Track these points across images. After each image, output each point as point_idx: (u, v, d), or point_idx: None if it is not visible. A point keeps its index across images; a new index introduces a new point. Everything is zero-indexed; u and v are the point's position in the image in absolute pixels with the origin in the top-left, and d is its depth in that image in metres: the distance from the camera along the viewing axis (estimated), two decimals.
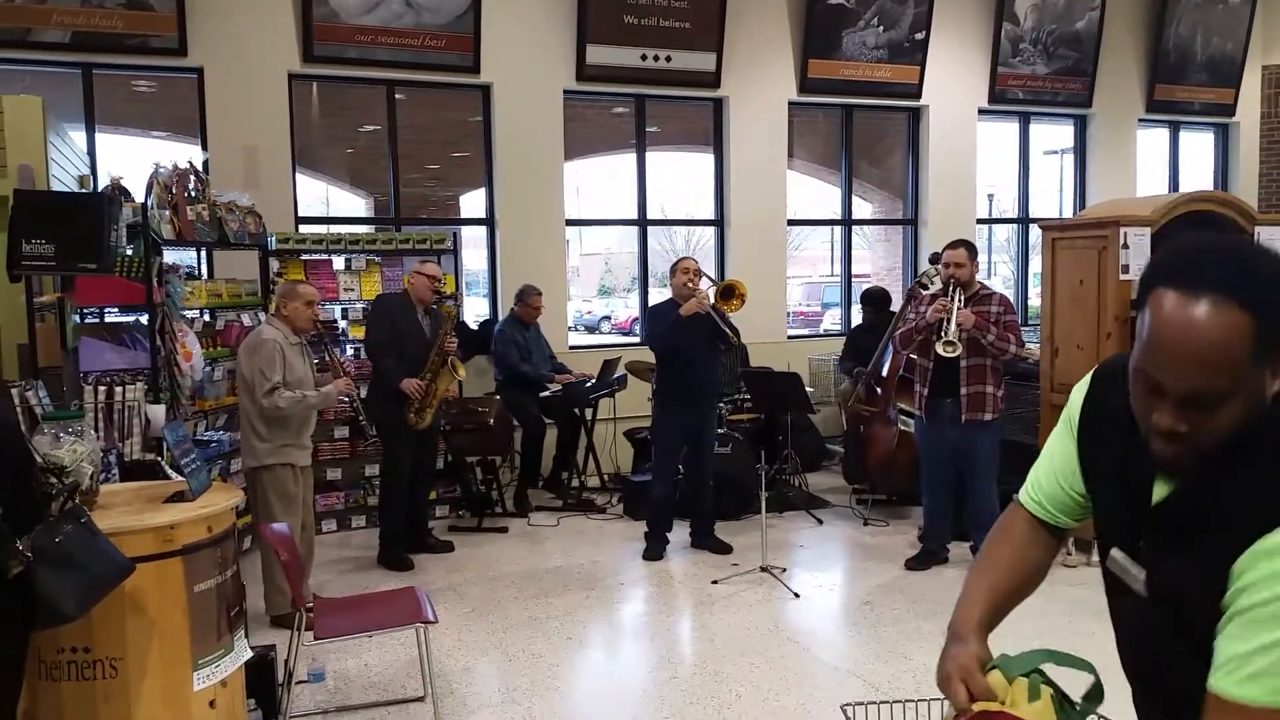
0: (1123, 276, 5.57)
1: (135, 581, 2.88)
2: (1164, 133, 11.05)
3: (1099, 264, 5.72)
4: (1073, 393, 1.60)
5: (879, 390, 6.66)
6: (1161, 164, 11.13)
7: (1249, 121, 10.73)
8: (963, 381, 5.34)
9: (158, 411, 4.14)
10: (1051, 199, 11.04)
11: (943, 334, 5.22)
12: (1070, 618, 4.81)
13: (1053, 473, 1.59)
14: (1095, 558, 5.54)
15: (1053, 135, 10.83)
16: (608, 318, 22.60)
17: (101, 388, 3.91)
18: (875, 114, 9.65)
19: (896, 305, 7.47)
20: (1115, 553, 1.45)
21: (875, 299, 7.49)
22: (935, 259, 6.80)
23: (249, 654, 3.29)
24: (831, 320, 13.03)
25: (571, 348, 8.49)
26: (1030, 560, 1.64)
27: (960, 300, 5.30)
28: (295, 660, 3.77)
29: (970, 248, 5.53)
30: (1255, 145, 10.05)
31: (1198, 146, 11.38)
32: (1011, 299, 5.78)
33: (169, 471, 3.22)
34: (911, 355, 5.71)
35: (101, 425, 3.87)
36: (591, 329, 21.30)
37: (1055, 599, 5.07)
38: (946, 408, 5.40)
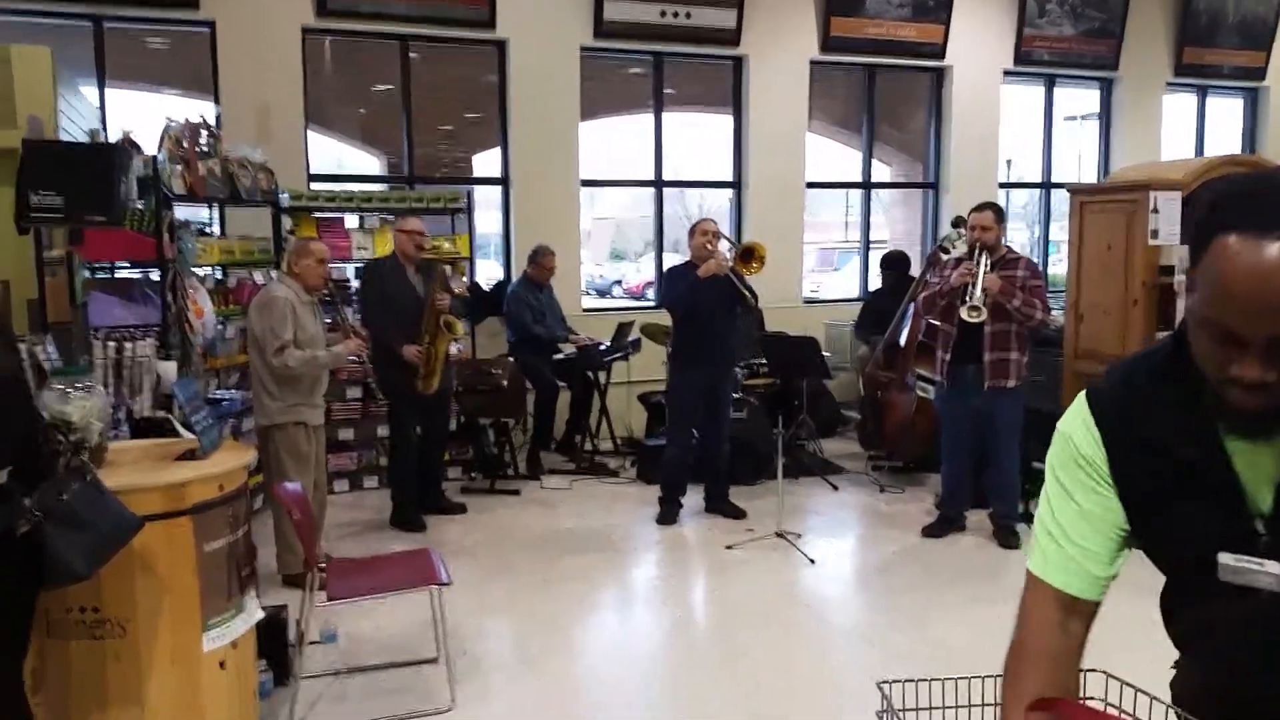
0: (1152, 241, 5.44)
1: (144, 541, 2.83)
2: (1191, 98, 10.80)
3: (1128, 228, 5.59)
4: (1070, 434, 1.40)
5: (897, 356, 6.56)
6: (1188, 129, 10.89)
7: None
8: (986, 347, 5.24)
9: (168, 368, 4.08)
10: (1070, 166, 10.84)
11: (968, 299, 5.10)
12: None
13: (1087, 530, 1.41)
14: None
15: (1074, 100, 10.60)
16: (619, 282, 22.46)
17: (111, 344, 3.85)
18: (897, 75, 9.46)
19: (916, 270, 7.36)
20: (1227, 559, 1.29)
21: (895, 263, 7.37)
22: (958, 223, 6.68)
23: (260, 614, 3.25)
24: (838, 287, 12.89)
25: (585, 310, 8.40)
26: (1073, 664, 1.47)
27: (986, 264, 5.18)
28: (307, 621, 3.73)
29: (998, 210, 5.40)
30: None
31: (1226, 112, 11.13)
32: None
33: (180, 429, 3.15)
34: (933, 321, 5.60)
35: (111, 381, 3.81)
36: (603, 293, 21.16)
37: None
38: (969, 374, 5.30)
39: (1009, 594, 4.44)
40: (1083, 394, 1.41)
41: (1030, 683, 1.42)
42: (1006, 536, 5.35)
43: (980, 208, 5.42)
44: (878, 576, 4.93)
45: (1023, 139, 10.39)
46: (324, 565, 3.72)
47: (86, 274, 4.43)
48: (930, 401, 6.31)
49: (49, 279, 4.04)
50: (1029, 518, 5.64)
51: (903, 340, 6.52)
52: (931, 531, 5.51)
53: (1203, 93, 10.78)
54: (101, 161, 3.50)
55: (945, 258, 6.48)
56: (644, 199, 8.88)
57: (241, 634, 3.11)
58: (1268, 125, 10.88)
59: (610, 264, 25.57)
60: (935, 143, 9.60)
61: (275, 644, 3.76)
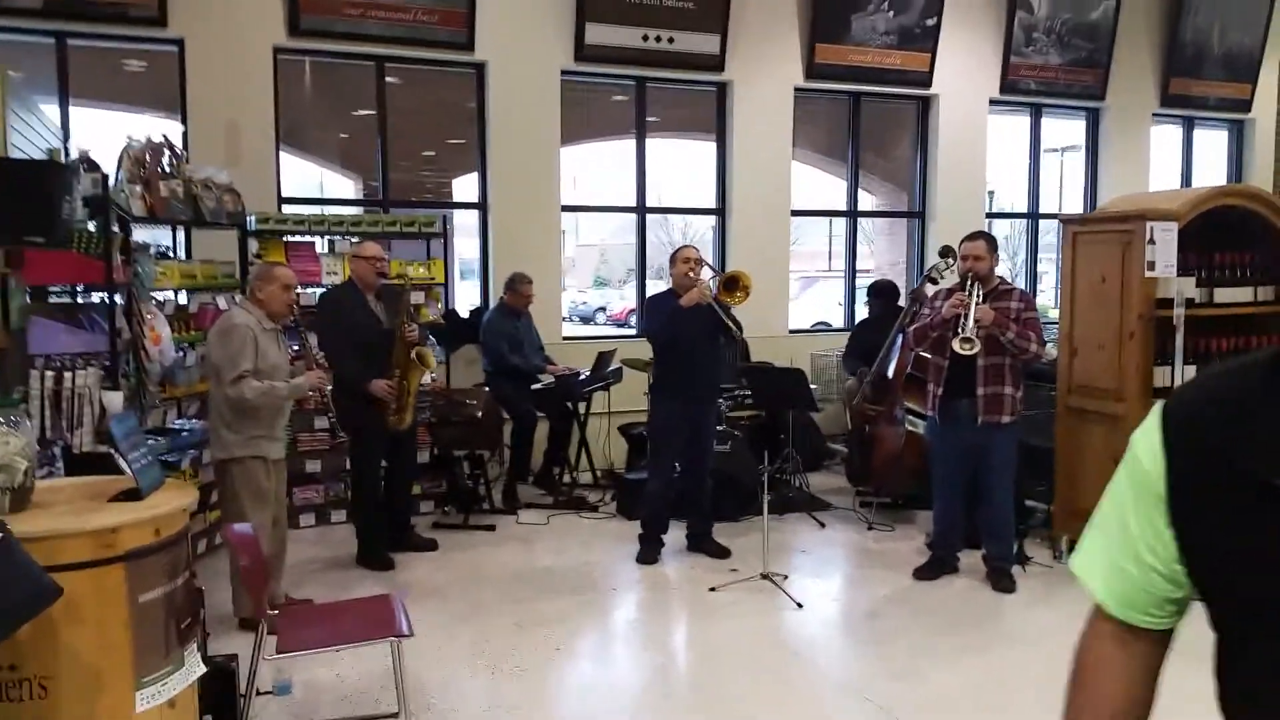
0: (1148, 273, 5.27)
1: (70, 591, 2.56)
2: (1177, 129, 10.74)
3: (1123, 259, 5.41)
4: (1141, 453, 1.16)
5: (886, 388, 6.36)
6: (1174, 160, 10.82)
7: (1265, 118, 10.41)
8: (980, 381, 5.04)
9: (115, 399, 3.82)
10: (1052, 197, 10.74)
11: (960, 330, 4.90)
12: None
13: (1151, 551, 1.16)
14: None
15: (1055, 132, 10.51)
16: (603, 309, 22.32)
17: (49, 373, 3.59)
18: (882, 103, 9.34)
19: (904, 300, 7.18)
20: None
21: (883, 292, 7.19)
22: (946, 252, 6.52)
23: (201, 670, 2.97)
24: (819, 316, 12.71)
25: (566, 338, 8.18)
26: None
27: (979, 295, 4.99)
28: (257, 673, 3.46)
29: (990, 240, 5.23)
30: (1271, 143, 9.74)
31: (1211, 143, 11.08)
32: None
33: (124, 465, 2.90)
34: (924, 353, 5.40)
35: (48, 414, 3.55)
36: (587, 320, 21.02)
37: (1074, 613, 4.72)
38: (962, 408, 5.10)
39: (1005, 641, 4.24)
40: (1158, 404, 1.18)
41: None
42: (1001, 579, 5.13)
43: (972, 236, 5.24)
44: (868, 622, 4.69)
45: (1004, 170, 10.28)
46: (276, 611, 3.45)
47: (26, 298, 4.16)
48: (920, 436, 6.12)
49: None
50: (1024, 559, 5.44)
51: (890, 372, 6.32)
52: (923, 573, 5.28)
53: (1189, 123, 10.72)
54: (42, 179, 3.26)
55: (933, 288, 6.32)
56: (629, 226, 8.69)
57: (180, 691, 2.83)
58: (1253, 156, 10.82)
59: (595, 290, 25.45)
60: (921, 171, 9.47)
61: (224, 697, 3.48)
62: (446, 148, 8.88)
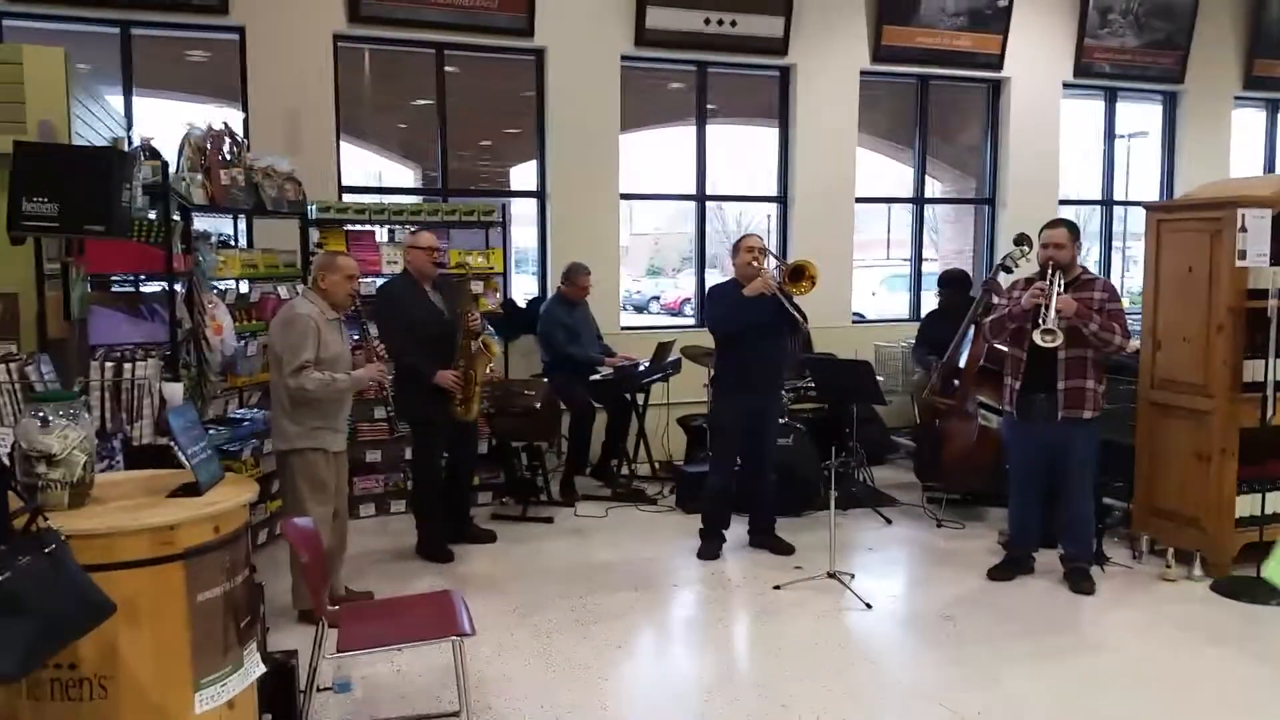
0: (1239, 263, 5.00)
1: (129, 589, 2.51)
2: (1260, 113, 10.28)
3: (1211, 249, 5.16)
4: None
5: (957, 381, 6.14)
6: (1256, 146, 10.36)
7: None
8: (1060, 375, 4.82)
9: (175, 390, 3.78)
10: (1120, 184, 10.33)
11: (1041, 322, 4.68)
12: (1179, 640, 4.32)
13: None
14: (1198, 570, 5.05)
15: (1128, 117, 10.09)
16: (656, 298, 22.22)
17: (109, 364, 3.56)
18: (950, 87, 9.06)
19: (975, 290, 6.95)
20: None
21: (954, 281, 6.95)
22: (1021, 240, 6.29)
23: (261, 670, 2.91)
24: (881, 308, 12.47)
25: (624, 328, 8.07)
26: None
27: (1060, 285, 4.77)
28: (317, 671, 3.41)
29: (1072, 227, 5.00)
30: None
31: None
32: None
33: (183, 458, 2.84)
34: (1000, 345, 5.19)
35: (108, 405, 3.52)
36: (640, 309, 20.92)
37: (1157, 616, 4.59)
38: (1041, 403, 4.88)
39: (1087, 646, 4.03)
40: None
41: None
42: (1079, 580, 4.92)
43: (1053, 224, 5.02)
44: (941, 625, 4.50)
45: (1073, 156, 9.90)
46: (336, 608, 3.39)
47: (88, 287, 4.14)
48: (992, 431, 5.91)
49: (49, 293, 3.76)
50: (1103, 559, 5.21)
51: (962, 364, 6.10)
52: (998, 574, 5.08)
53: (1274, 107, 10.26)
54: (102, 167, 3.21)
55: (1008, 277, 6.09)
56: (681, 215, 8.55)
57: (239, 692, 2.77)
58: None
59: (648, 280, 25.34)
60: (992, 157, 9.17)
61: (284, 694, 3.43)
62: (503, 137, 8.81)
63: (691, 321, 8.58)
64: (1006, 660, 4.10)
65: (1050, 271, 4.83)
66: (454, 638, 3.24)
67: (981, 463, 5.96)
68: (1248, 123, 10.19)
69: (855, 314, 9.05)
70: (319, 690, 3.49)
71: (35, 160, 3.23)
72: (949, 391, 6.17)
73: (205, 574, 2.65)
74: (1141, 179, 10.11)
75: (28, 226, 3.15)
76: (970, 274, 7.44)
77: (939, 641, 4.32)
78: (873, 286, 15.50)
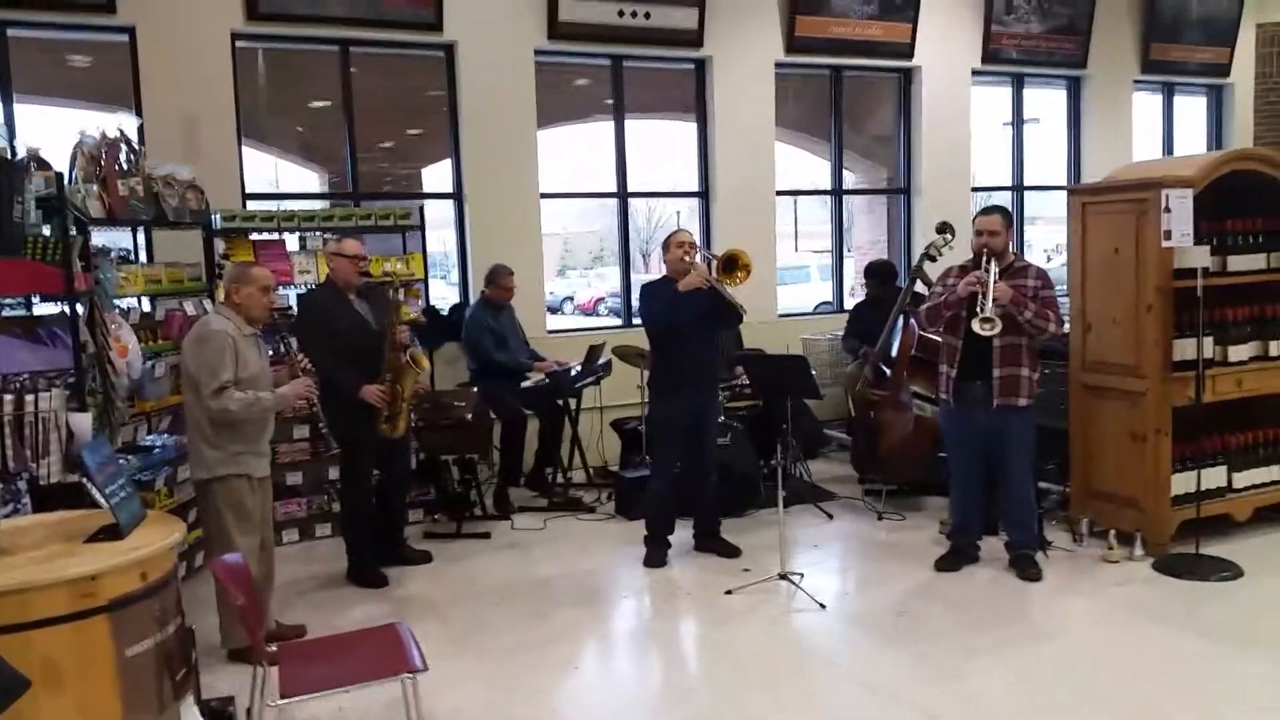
0: (1165, 243, 5.06)
1: (48, 649, 2.26)
2: (1157, 96, 10.60)
3: (1137, 230, 5.22)
4: None
5: (889, 372, 6.12)
6: (1154, 128, 10.68)
7: (1244, 83, 10.30)
8: (995, 363, 4.82)
9: (83, 421, 3.47)
10: (1031, 170, 10.48)
11: (978, 310, 4.67)
12: (1129, 622, 4.35)
13: None
14: (1140, 550, 5.11)
15: (1033, 102, 10.27)
16: (570, 298, 21.97)
17: (9, 395, 3.24)
18: (863, 76, 9.09)
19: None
20: None
21: (881, 272, 6.94)
22: (944, 228, 6.30)
23: None
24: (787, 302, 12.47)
25: (550, 331, 7.87)
26: None
27: (996, 273, 4.76)
28: (260, 716, 3.15)
29: (1005, 214, 5.00)
30: (1249, 107, 9.63)
31: (1188, 110, 10.95)
32: None
33: (101, 499, 2.57)
34: (935, 334, 5.17)
35: (10, 442, 3.19)
36: (554, 310, 20.68)
37: (1105, 599, 4.61)
38: (977, 391, 4.88)
39: (1041, 634, 3.99)
40: None
41: None
42: (1026, 567, 4.93)
43: (987, 211, 5.02)
44: (896, 621, 4.44)
45: (979, 143, 10.03)
46: (274, 650, 3.14)
47: None
48: (929, 420, 5.91)
49: None
50: (1044, 544, 5.24)
51: (894, 354, 6.09)
52: (945, 564, 5.07)
53: (1169, 90, 10.59)
54: None
55: (932, 266, 6.10)
56: (589, 213, 8.41)
57: None
58: (1233, 121, 10.73)
59: (559, 280, 25.08)
60: (906, 146, 9.24)
61: None
62: (407, 139, 8.53)
63: (619, 322, 8.42)
64: (965, 654, 4.06)
65: (985, 259, 4.82)
66: (406, 675, 3.02)
67: (919, 452, 5.96)
68: (1146, 106, 10.49)
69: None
70: None
71: None
72: (882, 382, 6.16)
73: (134, 626, 2.41)
74: (1039, 165, 10.27)
75: None
76: (895, 264, 7.44)
77: (896, 639, 4.26)
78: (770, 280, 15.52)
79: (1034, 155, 10.14)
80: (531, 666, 4.10)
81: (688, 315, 5.14)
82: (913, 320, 5.92)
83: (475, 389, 6.32)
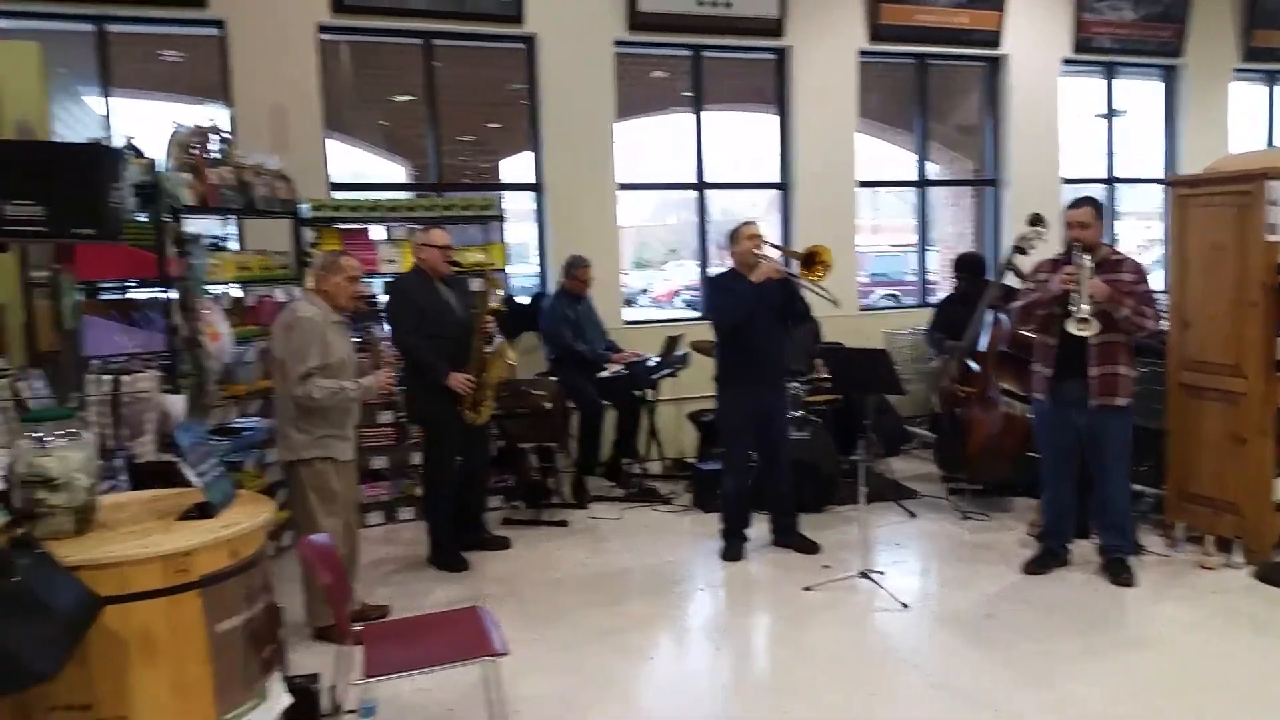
0: (1268, 237, 4.84)
1: (144, 622, 2.31)
2: (1259, 86, 10.15)
3: (1239, 223, 5.00)
4: None
5: (977, 368, 5.96)
6: (1255, 120, 10.23)
7: None
8: (1092, 361, 4.64)
9: (177, 403, 3.55)
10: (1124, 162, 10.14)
11: (1072, 309, 4.50)
12: (1226, 632, 4.16)
13: None
14: (1238, 557, 4.90)
15: (1121, 93, 9.91)
16: (645, 291, 21.96)
17: (106, 376, 3.33)
18: (948, 66, 8.88)
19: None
20: None
21: (971, 265, 6.77)
22: (1036, 221, 6.10)
23: (287, 701, 2.71)
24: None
25: (626, 322, 7.85)
26: None
27: (1090, 268, 4.59)
28: (343, 696, 3.20)
29: (1096, 206, 4.80)
30: None
31: None
32: None
33: (193, 479, 2.62)
34: (1029, 332, 5.01)
35: (108, 421, 3.28)
36: (629, 301, 20.68)
37: (1201, 607, 4.42)
38: (1072, 390, 4.70)
39: (1136, 642, 3.81)
40: None
41: None
42: (1119, 572, 4.75)
43: (1077, 203, 4.83)
44: (984, 623, 4.32)
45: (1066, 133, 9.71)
46: (359, 628, 3.17)
47: (80, 296, 3.90)
48: (1019, 418, 5.74)
49: (38, 303, 3.52)
50: (1138, 549, 5.06)
51: (982, 350, 5.92)
52: (1034, 567, 4.91)
53: (1272, 78, 10.13)
54: (88, 165, 2.97)
55: (1023, 259, 5.93)
56: (665, 207, 8.36)
57: None
58: None
59: (635, 272, 25.08)
60: (993, 137, 9.01)
61: (305, 718, 3.22)
62: (486, 131, 8.58)
63: (696, 314, 8.38)
64: (1057, 659, 3.93)
65: (1077, 254, 4.65)
66: (487, 659, 3.03)
67: (1007, 451, 5.79)
68: (1246, 96, 10.05)
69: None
70: (344, 714, 3.28)
71: (16, 160, 2.99)
72: (969, 379, 6.00)
73: (224, 602, 2.44)
74: (1127, 158, 9.90)
75: (11, 232, 2.92)
76: (984, 257, 7.25)
77: (982, 642, 4.14)
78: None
79: (1123, 148, 9.80)
80: (607, 654, 4.10)
81: (758, 308, 5.08)
82: (1002, 316, 5.77)
83: (554, 379, 6.33)
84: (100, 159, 3.08)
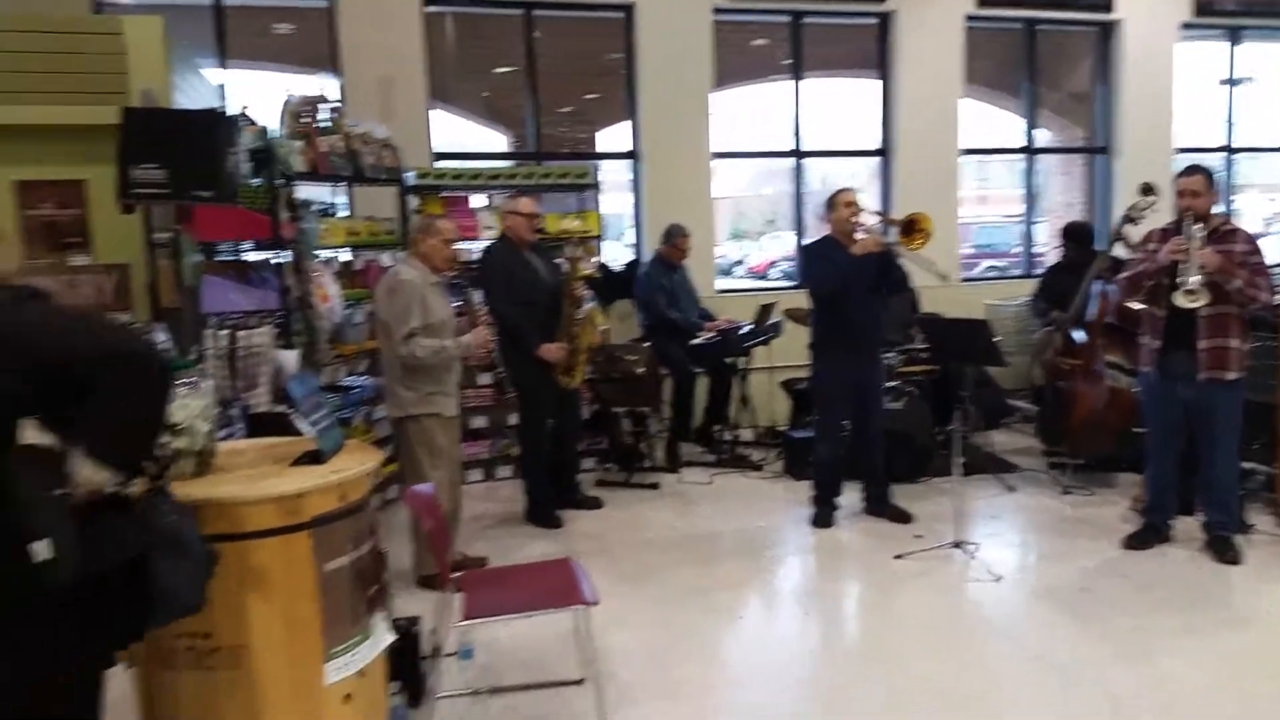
0: None
1: (259, 561, 2.46)
2: None
3: None
4: None
5: (1082, 340, 5.80)
6: None
7: None
8: (1201, 333, 4.47)
9: (290, 358, 3.74)
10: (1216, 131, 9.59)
11: (1180, 280, 4.35)
12: None
13: None
14: None
15: (1251, 58, 9.40)
16: (740, 262, 21.84)
17: (224, 332, 3.52)
18: (1059, 31, 8.58)
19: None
20: None
21: (1078, 234, 6.56)
22: (1148, 189, 5.88)
23: (390, 638, 2.85)
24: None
25: (719, 291, 7.87)
26: None
27: (1201, 238, 4.42)
28: (443, 638, 3.34)
29: (1207, 174, 4.60)
30: None
31: None
32: None
33: (305, 427, 2.77)
34: (1136, 303, 4.86)
35: (225, 373, 3.48)
36: (725, 272, 20.60)
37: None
38: (1180, 363, 4.55)
39: (1239, 621, 3.70)
40: None
41: None
42: (1224, 549, 4.61)
43: (1188, 171, 4.63)
44: (1078, 597, 4.25)
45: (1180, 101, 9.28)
46: (459, 575, 3.31)
47: (200, 256, 4.11)
48: (1124, 392, 5.58)
49: (161, 262, 3.74)
50: (1246, 527, 4.89)
51: (1089, 321, 5.75)
52: (1134, 542, 4.79)
53: None
54: (206, 131, 3.13)
55: (1133, 229, 5.73)
56: (761, 177, 8.32)
57: (370, 661, 2.71)
58: None
59: (731, 243, 24.95)
60: (1104, 104, 8.69)
61: (408, 661, 3.38)
62: (584, 102, 8.65)
63: (790, 283, 8.34)
64: (1155, 635, 3.84)
65: (1188, 223, 4.48)
66: (578, 607, 3.13)
67: (1111, 425, 5.64)
68: None
69: None
70: (444, 656, 3.43)
71: (142, 125, 3.18)
72: (1074, 351, 5.84)
73: (333, 543, 2.58)
74: (1252, 126, 9.39)
75: (137, 194, 3.10)
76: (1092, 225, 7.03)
77: (1078, 615, 4.07)
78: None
79: (1245, 116, 9.33)
80: (695, 612, 4.17)
81: (855, 277, 5.04)
82: (1109, 287, 5.59)
83: (647, 344, 6.40)
84: (217, 125, 3.25)
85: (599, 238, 6.75)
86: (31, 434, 1.87)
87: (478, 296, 4.75)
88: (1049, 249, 9.10)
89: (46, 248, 4.09)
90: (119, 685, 2.43)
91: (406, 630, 3.33)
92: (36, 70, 4.13)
